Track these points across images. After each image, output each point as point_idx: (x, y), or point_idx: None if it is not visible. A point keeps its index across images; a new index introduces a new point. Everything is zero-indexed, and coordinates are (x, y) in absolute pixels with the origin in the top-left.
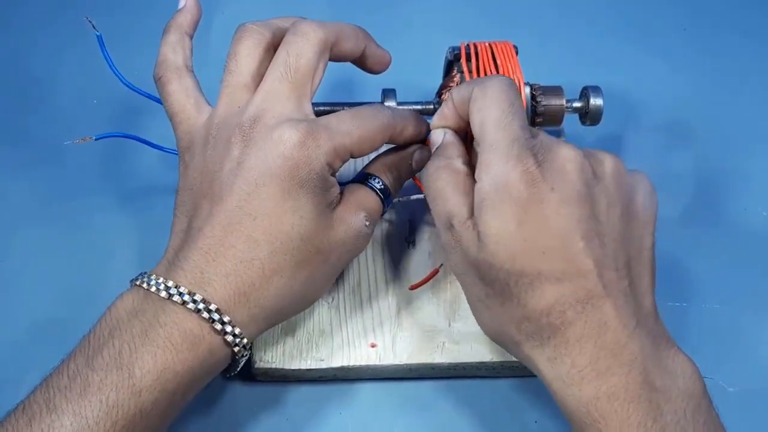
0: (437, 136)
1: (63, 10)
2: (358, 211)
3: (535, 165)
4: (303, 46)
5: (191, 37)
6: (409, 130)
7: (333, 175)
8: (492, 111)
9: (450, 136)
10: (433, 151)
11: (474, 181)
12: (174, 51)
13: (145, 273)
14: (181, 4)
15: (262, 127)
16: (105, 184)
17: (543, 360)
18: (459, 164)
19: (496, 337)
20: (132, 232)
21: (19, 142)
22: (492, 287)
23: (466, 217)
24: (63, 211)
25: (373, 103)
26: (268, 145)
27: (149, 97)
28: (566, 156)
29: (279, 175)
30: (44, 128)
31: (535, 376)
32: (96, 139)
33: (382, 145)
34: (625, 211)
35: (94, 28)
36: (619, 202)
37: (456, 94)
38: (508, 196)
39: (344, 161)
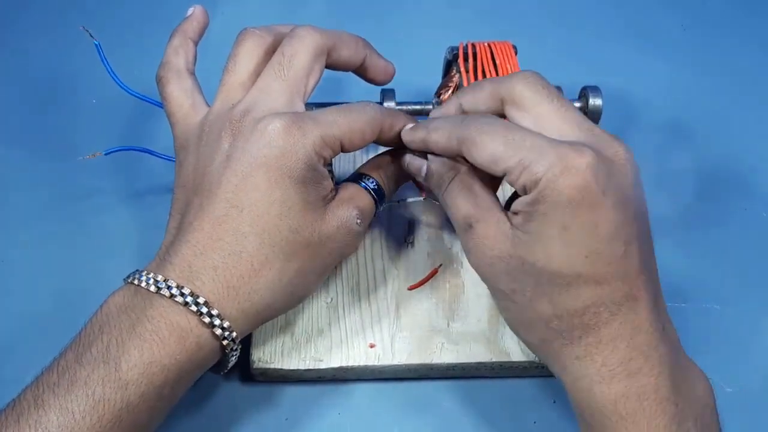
0: (417, 162)
1: (67, 11)
2: (350, 207)
3: (592, 161)
4: (298, 48)
5: (196, 44)
6: (399, 127)
7: (325, 166)
8: (544, 106)
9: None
10: (421, 174)
11: (482, 183)
12: (176, 54)
13: (138, 270)
14: (189, 12)
15: (250, 119)
16: (105, 183)
17: (570, 358)
18: (460, 165)
19: (521, 333)
20: (132, 231)
21: (19, 142)
22: (521, 283)
23: (487, 214)
24: (63, 210)
25: (364, 100)
26: (254, 136)
27: (149, 101)
28: (619, 155)
29: (265, 164)
30: (44, 129)
31: (534, 376)
32: (105, 154)
33: (372, 138)
34: (644, 215)
35: (91, 36)
36: (642, 205)
37: (432, 139)
38: (560, 203)
39: (334, 151)
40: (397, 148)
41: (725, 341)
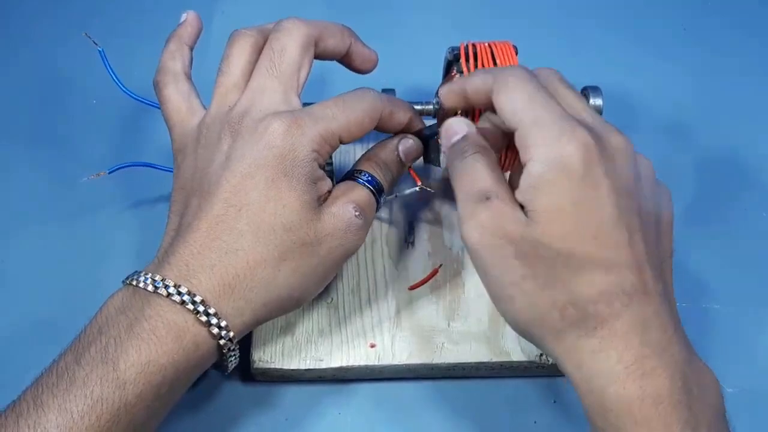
0: (460, 125)
1: (68, 11)
2: (346, 202)
3: (592, 140)
4: (286, 41)
5: (191, 48)
6: (399, 114)
7: (322, 166)
8: (521, 93)
9: (474, 128)
10: (453, 139)
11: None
12: (173, 58)
13: (137, 271)
14: (183, 18)
15: (249, 120)
16: (106, 184)
17: (586, 352)
18: (491, 149)
19: (530, 326)
20: (132, 231)
21: (19, 143)
22: (534, 268)
23: (506, 194)
24: (63, 211)
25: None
26: (254, 137)
27: (152, 105)
28: (619, 144)
29: (265, 165)
30: (44, 129)
31: (534, 376)
32: (109, 173)
33: (371, 128)
34: (656, 218)
35: (95, 44)
36: (653, 207)
37: (470, 85)
38: (566, 171)
39: (333, 147)
40: (396, 133)
41: (725, 341)
